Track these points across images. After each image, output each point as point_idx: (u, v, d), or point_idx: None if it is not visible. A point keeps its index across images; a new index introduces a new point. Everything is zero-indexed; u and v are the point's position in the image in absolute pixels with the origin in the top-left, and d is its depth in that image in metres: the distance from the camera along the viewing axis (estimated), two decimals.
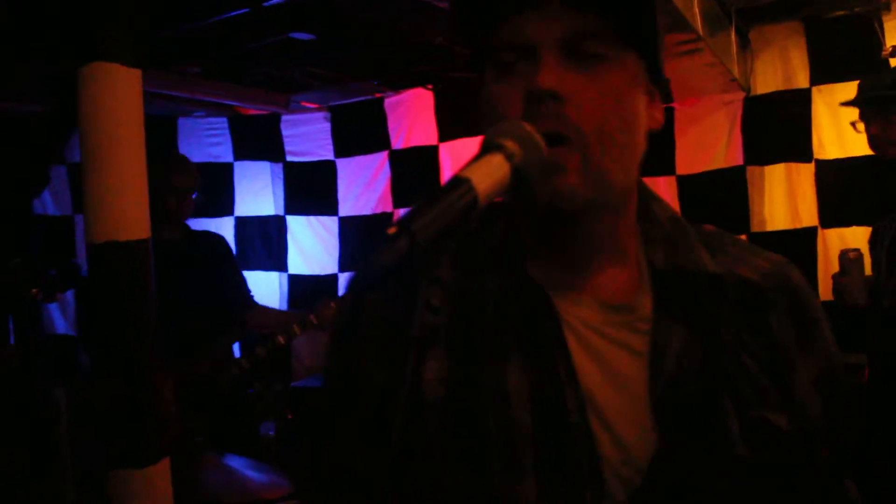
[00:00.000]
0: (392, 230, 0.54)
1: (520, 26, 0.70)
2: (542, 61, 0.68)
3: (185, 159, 3.03)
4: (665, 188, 3.70)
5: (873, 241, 2.37)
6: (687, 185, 3.72)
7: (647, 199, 0.83)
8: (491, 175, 0.60)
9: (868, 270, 2.46)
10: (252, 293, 3.04)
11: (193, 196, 2.84)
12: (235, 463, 2.16)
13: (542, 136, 0.65)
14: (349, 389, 0.79)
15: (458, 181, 0.58)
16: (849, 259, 2.46)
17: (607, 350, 0.73)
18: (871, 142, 2.32)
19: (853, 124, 2.39)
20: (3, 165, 2.88)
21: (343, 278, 4.51)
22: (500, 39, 0.72)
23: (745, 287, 0.77)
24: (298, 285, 4.63)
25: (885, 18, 3.33)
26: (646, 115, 0.75)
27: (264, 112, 4.47)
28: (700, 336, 0.73)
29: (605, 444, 0.70)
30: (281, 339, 2.62)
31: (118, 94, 1.29)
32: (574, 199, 0.69)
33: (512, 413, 0.70)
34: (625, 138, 0.71)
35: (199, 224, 3.35)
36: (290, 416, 2.99)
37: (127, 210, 1.32)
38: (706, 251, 0.79)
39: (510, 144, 0.62)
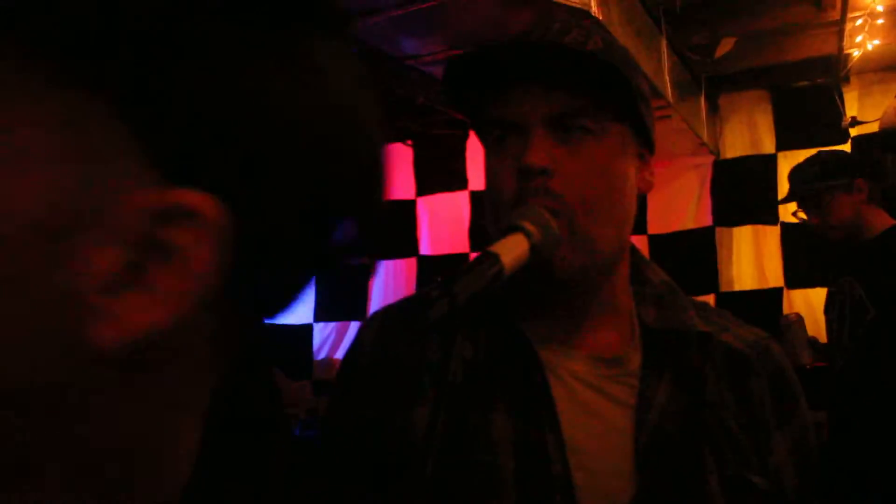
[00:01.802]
0: (436, 293, 0.65)
1: (509, 104, 0.76)
2: (532, 139, 0.74)
3: None
4: (636, 247, 3.78)
5: (827, 306, 2.43)
6: (658, 244, 3.82)
7: (640, 264, 0.89)
8: (514, 250, 0.70)
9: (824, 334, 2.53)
10: None
11: None
12: None
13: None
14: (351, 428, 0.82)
15: (489, 255, 0.68)
16: (787, 321, 2.70)
17: (594, 400, 0.77)
18: (815, 230, 2.36)
19: (795, 214, 2.44)
20: None
21: (318, 328, 4.51)
22: (491, 116, 0.78)
23: (730, 353, 0.81)
24: (275, 332, 4.61)
25: (844, 90, 3.51)
26: (636, 179, 0.80)
27: None
28: (685, 391, 0.77)
29: (586, 491, 0.73)
30: None
31: None
32: (566, 269, 0.75)
33: (496, 459, 0.74)
34: (611, 204, 0.76)
35: None
36: None
37: None
38: (697, 313, 0.83)
39: (529, 227, 0.71)
